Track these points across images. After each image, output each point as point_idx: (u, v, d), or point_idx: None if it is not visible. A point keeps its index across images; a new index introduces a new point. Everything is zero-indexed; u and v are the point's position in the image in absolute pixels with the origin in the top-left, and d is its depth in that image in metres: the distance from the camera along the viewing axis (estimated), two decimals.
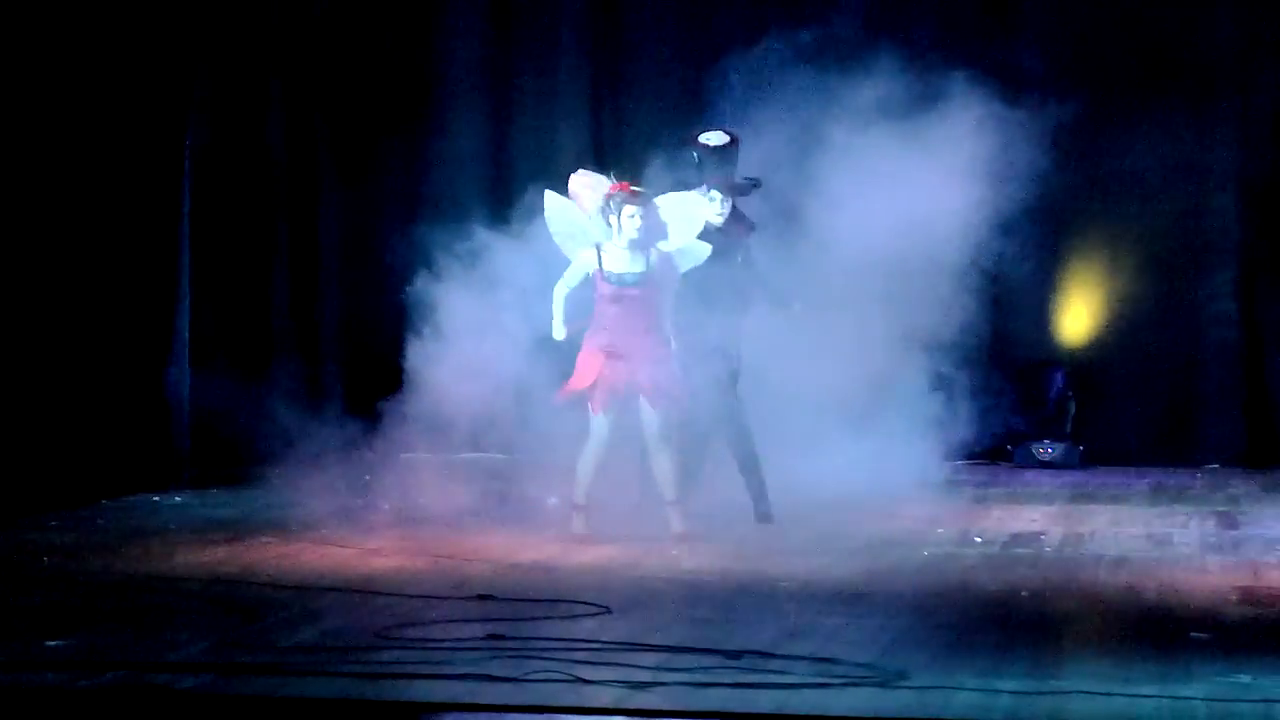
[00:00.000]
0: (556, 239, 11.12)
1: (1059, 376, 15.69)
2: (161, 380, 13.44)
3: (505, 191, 12.69)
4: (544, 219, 11.14)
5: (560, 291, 11.03)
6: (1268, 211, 15.72)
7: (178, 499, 12.97)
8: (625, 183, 11.01)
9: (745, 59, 13.44)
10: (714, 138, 11.49)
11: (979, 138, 12.86)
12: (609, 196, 10.95)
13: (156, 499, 12.91)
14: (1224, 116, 15.64)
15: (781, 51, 13.27)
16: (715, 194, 11.27)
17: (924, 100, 12.81)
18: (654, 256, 10.91)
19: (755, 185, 11.57)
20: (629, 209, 10.90)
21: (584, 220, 11.02)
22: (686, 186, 11.35)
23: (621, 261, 10.89)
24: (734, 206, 11.45)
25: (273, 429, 13.11)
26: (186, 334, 13.65)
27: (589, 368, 10.84)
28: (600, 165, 13.61)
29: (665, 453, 10.92)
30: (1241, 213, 15.75)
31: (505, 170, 15.22)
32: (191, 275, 13.69)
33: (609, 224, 10.92)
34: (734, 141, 11.50)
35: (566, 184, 11.16)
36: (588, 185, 11.04)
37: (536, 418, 11.74)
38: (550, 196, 11.10)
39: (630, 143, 15.25)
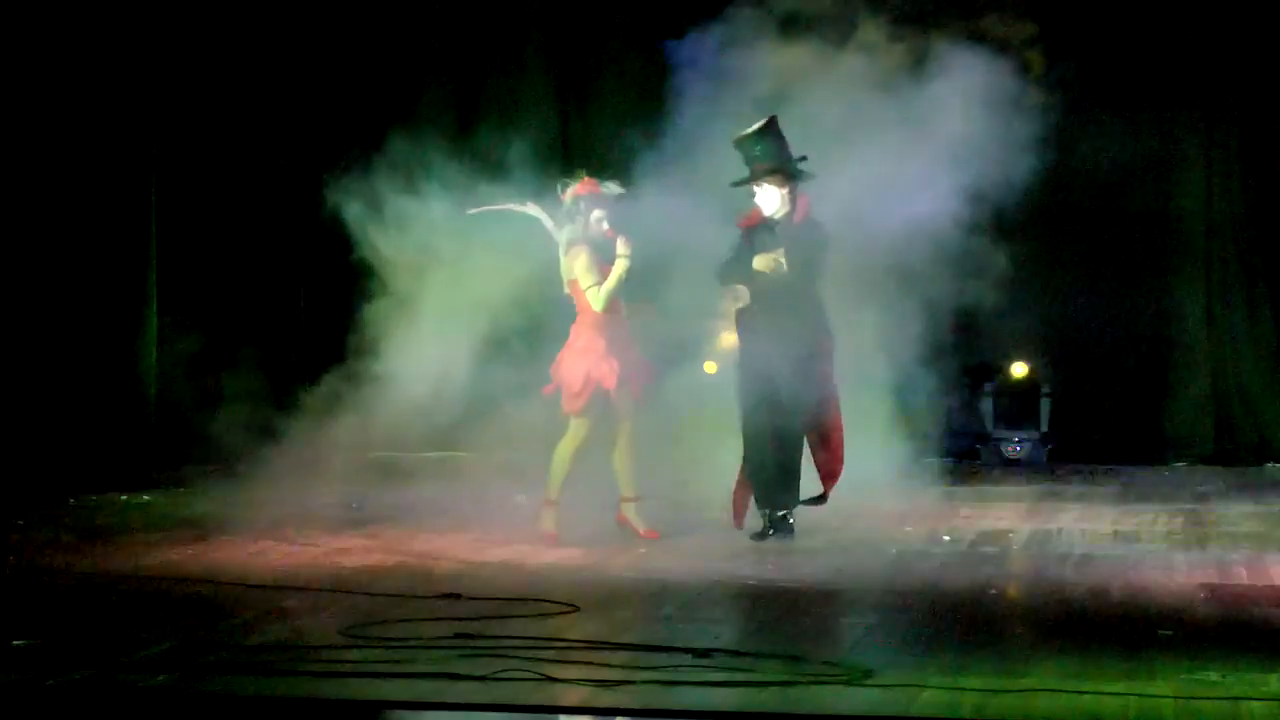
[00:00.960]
0: (552, 231, 11.01)
1: (1031, 374, 15.74)
2: (129, 381, 13.42)
3: (471, 183, 12.61)
4: (540, 222, 11.02)
5: (608, 297, 10.83)
6: (1235, 214, 15.80)
7: (145, 498, 12.94)
8: (592, 181, 10.92)
9: (710, 31, 13.31)
10: (745, 129, 10.91)
11: (950, 137, 12.86)
12: (577, 198, 10.87)
13: (124, 498, 12.88)
14: (1192, 121, 15.75)
15: (746, 23, 13.14)
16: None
17: (896, 97, 12.79)
18: (620, 248, 10.85)
19: (802, 163, 10.92)
20: (597, 212, 10.84)
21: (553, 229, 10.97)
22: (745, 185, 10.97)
23: (584, 249, 10.86)
24: (796, 201, 10.90)
25: (240, 429, 13.10)
26: (155, 334, 13.64)
27: (608, 375, 10.75)
28: (565, 149, 13.56)
29: (633, 451, 10.92)
30: (1209, 214, 15.84)
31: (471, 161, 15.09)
32: (159, 278, 13.68)
33: (575, 224, 10.86)
34: (766, 125, 10.86)
35: (531, 178, 11.11)
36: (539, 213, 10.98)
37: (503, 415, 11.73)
38: (531, 205, 10.99)
39: (596, 127, 15.22)
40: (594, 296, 10.80)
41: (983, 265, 14.79)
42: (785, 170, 10.84)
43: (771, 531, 10.86)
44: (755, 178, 10.87)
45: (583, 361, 10.79)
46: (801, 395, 10.79)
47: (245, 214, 15.26)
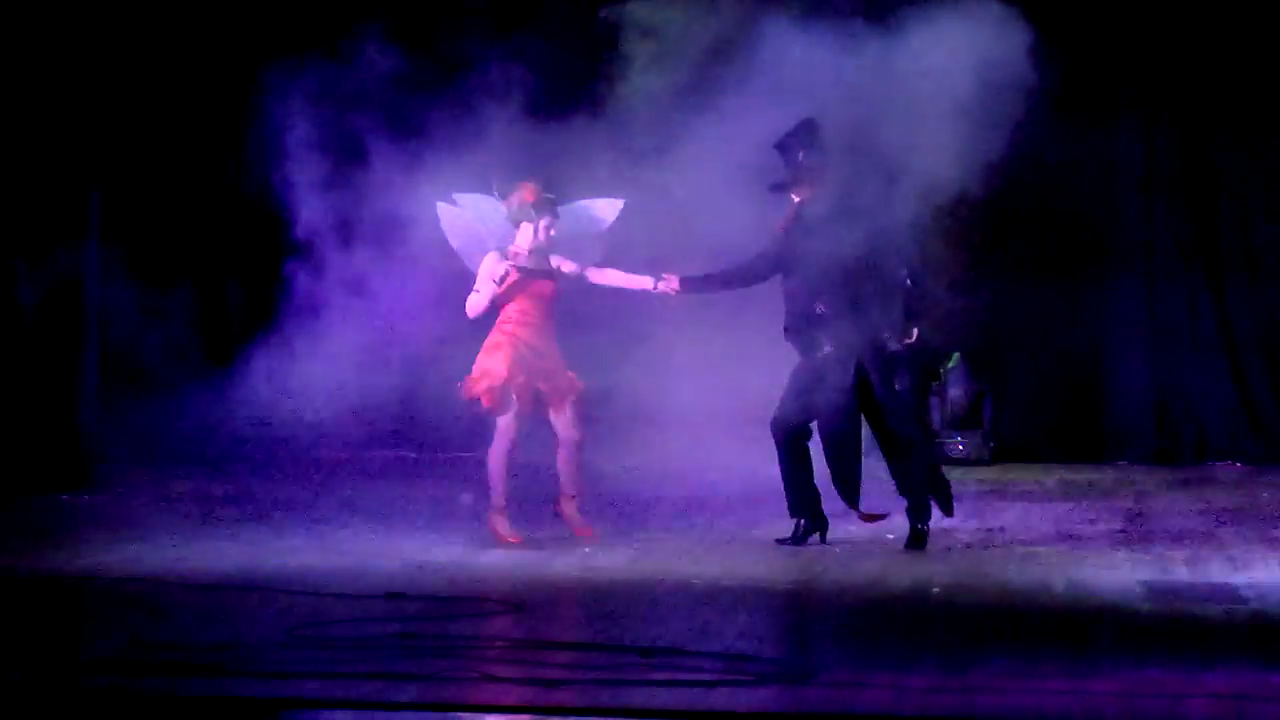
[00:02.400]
0: (459, 250, 10.95)
1: (970, 372, 15.81)
2: (71, 379, 13.35)
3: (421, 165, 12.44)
4: (442, 229, 10.92)
5: (478, 306, 10.77)
6: (1174, 213, 15.91)
7: (86, 498, 12.87)
8: (538, 189, 10.78)
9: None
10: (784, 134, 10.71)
11: (887, 132, 12.87)
12: (526, 205, 10.73)
13: (65, 498, 12.80)
14: (1132, 120, 15.85)
15: None
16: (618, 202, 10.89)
17: (835, 92, 12.75)
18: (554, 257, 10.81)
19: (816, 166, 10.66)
20: (546, 220, 10.75)
21: (478, 226, 10.88)
22: (783, 187, 10.73)
23: (531, 259, 10.80)
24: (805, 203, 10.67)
25: (183, 427, 13.06)
26: (95, 333, 13.56)
27: (502, 364, 10.69)
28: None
29: (571, 450, 10.84)
30: (1147, 213, 15.94)
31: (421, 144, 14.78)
32: (100, 271, 13.60)
33: (519, 227, 10.77)
34: (790, 133, 10.67)
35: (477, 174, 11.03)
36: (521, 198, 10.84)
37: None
38: (442, 209, 10.89)
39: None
40: (471, 301, 10.75)
41: (926, 262, 14.83)
42: (789, 181, 10.69)
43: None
44: (782, 185, 10.73)
45: (484, 360, 10.73)
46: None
47: (180, 196, 15.22)
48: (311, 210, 12.17)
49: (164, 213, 15.20)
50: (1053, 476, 14.76)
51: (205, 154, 15.43)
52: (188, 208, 15.39)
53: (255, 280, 15.29)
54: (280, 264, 13.87)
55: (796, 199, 10.71)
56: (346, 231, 12.06)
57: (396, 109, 13.42)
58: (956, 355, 15.86)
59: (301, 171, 12.31)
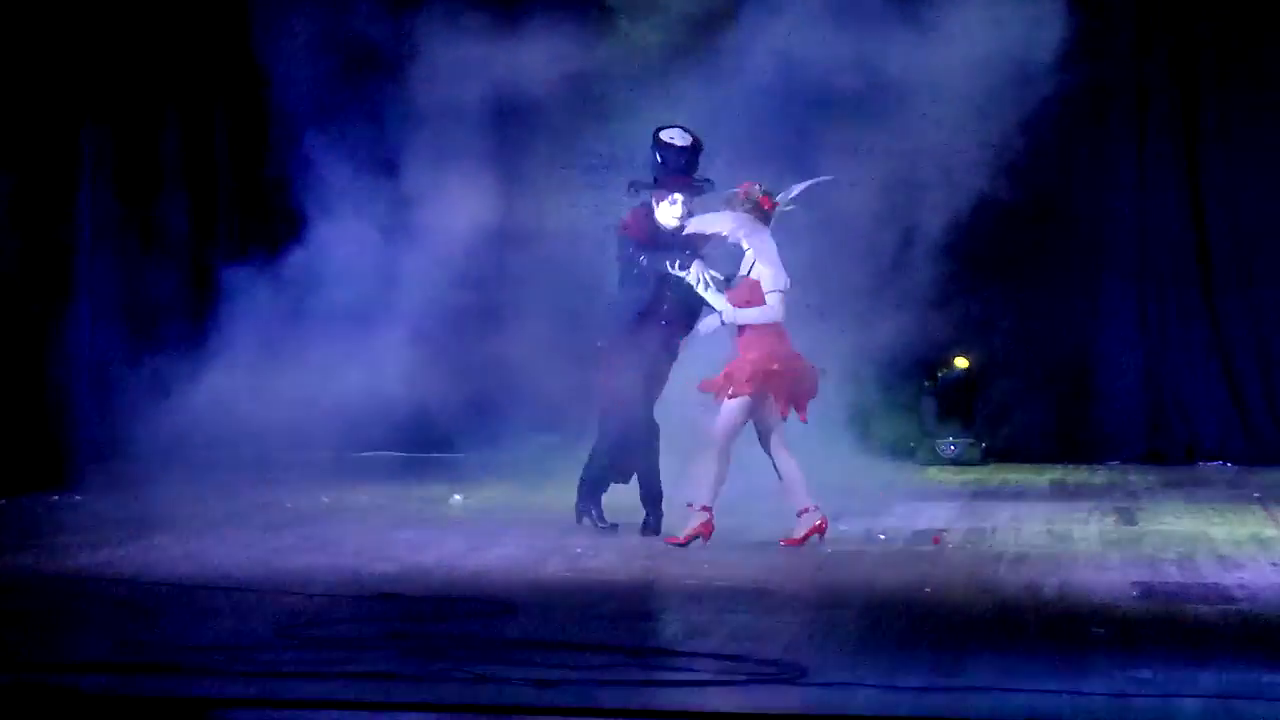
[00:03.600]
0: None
1: (962, 373, 15.82)
2: (57, 378, 13.33)
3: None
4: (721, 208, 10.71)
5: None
6: (1164, 213, 15.92)
7: (76, 498, 12.85)
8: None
9: None
10: (678, 137, 10.83)
11: (882, 136, 12.89)
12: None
13: (55, 499, 12.78)
14: (1124, 122, 15.87)
15: None
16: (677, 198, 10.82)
17: (827, 98, 12.78)
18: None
19: (708, 185, 10.86)
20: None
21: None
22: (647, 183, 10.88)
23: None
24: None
25: (171, 427, 13.05)
26: (86, 331, 13.53)
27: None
28: None
29: (712, 455, 10.77)
30: (1139, 214, 15.95)
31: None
32: (90, 262, 13.57)
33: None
34: (697, 144, 10.88)
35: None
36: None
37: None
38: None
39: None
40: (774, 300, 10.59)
41: (918, 263, 14.87)
42: (694, 187, 10.81)
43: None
44: (683, 190, 10.78)
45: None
46: None
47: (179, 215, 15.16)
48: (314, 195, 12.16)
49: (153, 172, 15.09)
50: (1044, 477, 14.77)
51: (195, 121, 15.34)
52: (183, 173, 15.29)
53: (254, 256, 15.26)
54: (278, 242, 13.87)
55: (684, 207, 10.74)
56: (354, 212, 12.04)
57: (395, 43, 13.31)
58: (952, 356, 15.86)
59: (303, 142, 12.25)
